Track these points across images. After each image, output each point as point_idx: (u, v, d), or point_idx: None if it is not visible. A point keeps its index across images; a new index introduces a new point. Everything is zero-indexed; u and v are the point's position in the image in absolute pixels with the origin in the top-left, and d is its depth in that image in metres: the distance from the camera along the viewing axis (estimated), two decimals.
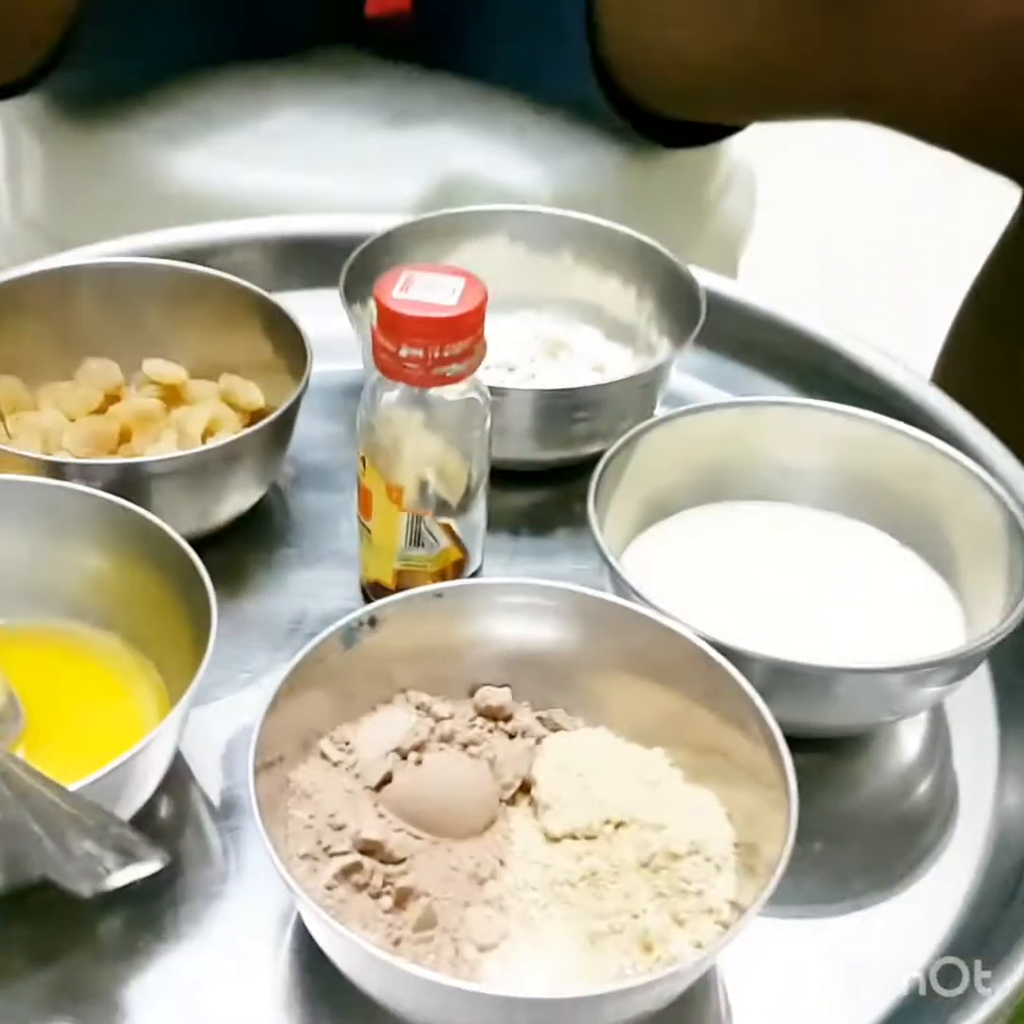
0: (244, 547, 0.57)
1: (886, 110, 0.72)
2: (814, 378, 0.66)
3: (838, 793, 0.50)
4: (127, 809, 0.43)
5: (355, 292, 0.60)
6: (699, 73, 0.76)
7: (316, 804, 0.43)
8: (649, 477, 0.54)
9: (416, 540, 0.51)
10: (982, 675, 0.54)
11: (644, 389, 0.60)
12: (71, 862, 0.36)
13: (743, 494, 0.56)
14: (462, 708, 0.47)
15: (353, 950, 0.38)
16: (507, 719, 0.46)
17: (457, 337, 0.47)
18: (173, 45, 0.85)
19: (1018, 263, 0.78)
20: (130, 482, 0.51)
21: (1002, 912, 0.46)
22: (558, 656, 0.47)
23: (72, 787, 0.40)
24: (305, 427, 0.58)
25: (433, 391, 0.49)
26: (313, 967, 0.43)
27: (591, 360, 0.64)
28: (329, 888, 0.41)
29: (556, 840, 0.43)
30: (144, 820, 0.45)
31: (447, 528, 0.51)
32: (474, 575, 0.54)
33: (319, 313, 0.59)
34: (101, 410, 0.58)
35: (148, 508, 0.48)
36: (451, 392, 0.49)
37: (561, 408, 0.58)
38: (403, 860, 0.42)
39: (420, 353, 0.47)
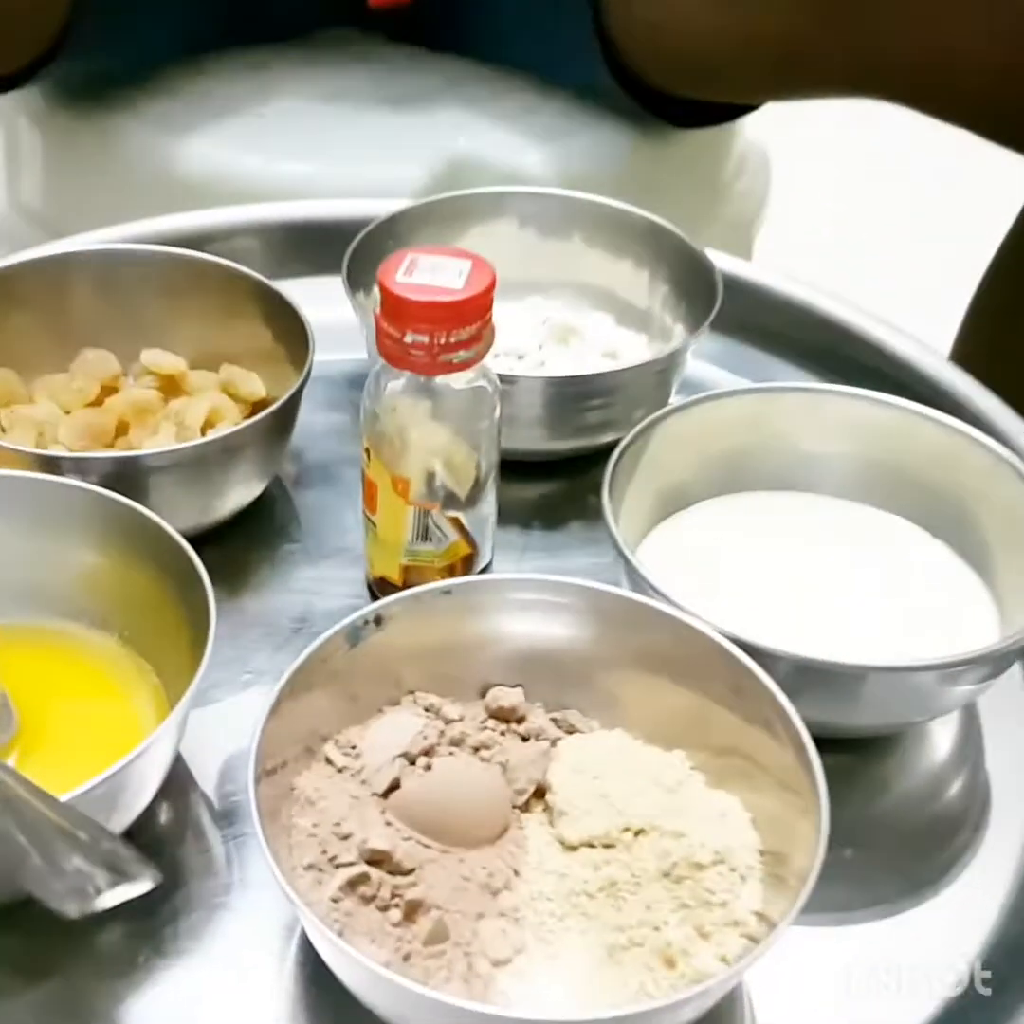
0: (246, 543, 0.57)
1: (899, 87, 0.72)
2: (834, 363, 0.66)
3: (866, 796, 0.49)
4: (125, 818, 0.43)
5: (358, 279, 0.60)
6: (705, 51, 0.76)
7: (321, 812, 0.42)
8: (665, 467, 0.54)
9: (424, 534, 0.51)
10: (1016, 673, 0.53)
11: (659, 376, 0.59)
12: (59, 879, 0.35)
13: (763, 484, 0.56)
14: (473, 710, 0.46)
15: (359, 967, 0.37)
16: (520, 721, 0.46)
17: (464, 322, 0.46)
18: (172, 31, 0.85)
19: None
20: (127, 476, 0.51)
21: None
22: (572, 654, 0.46)
23: (68, 795, 0.39)
24: (308, 419, 0.58)
25: (439, 379, 0.48)
26: (319, 982, 0.42)
27: (603, 346, 0.63)
28: (335, 901, 0.40)
29: (573, 848, 0.42)
30: (143, 829, 0.44)
31: (456, 522, 0.51)
32: (484, 571, 0.53)
33: (322, 301, 0.59)
34: (97, 402, 0.58)
35: (146, 503, 0.48)
36: (458, 380, 0.48)
37: (573, 396, 0.58)
38: (412, 871, 0.41)
39: (425, 339, 0.46)
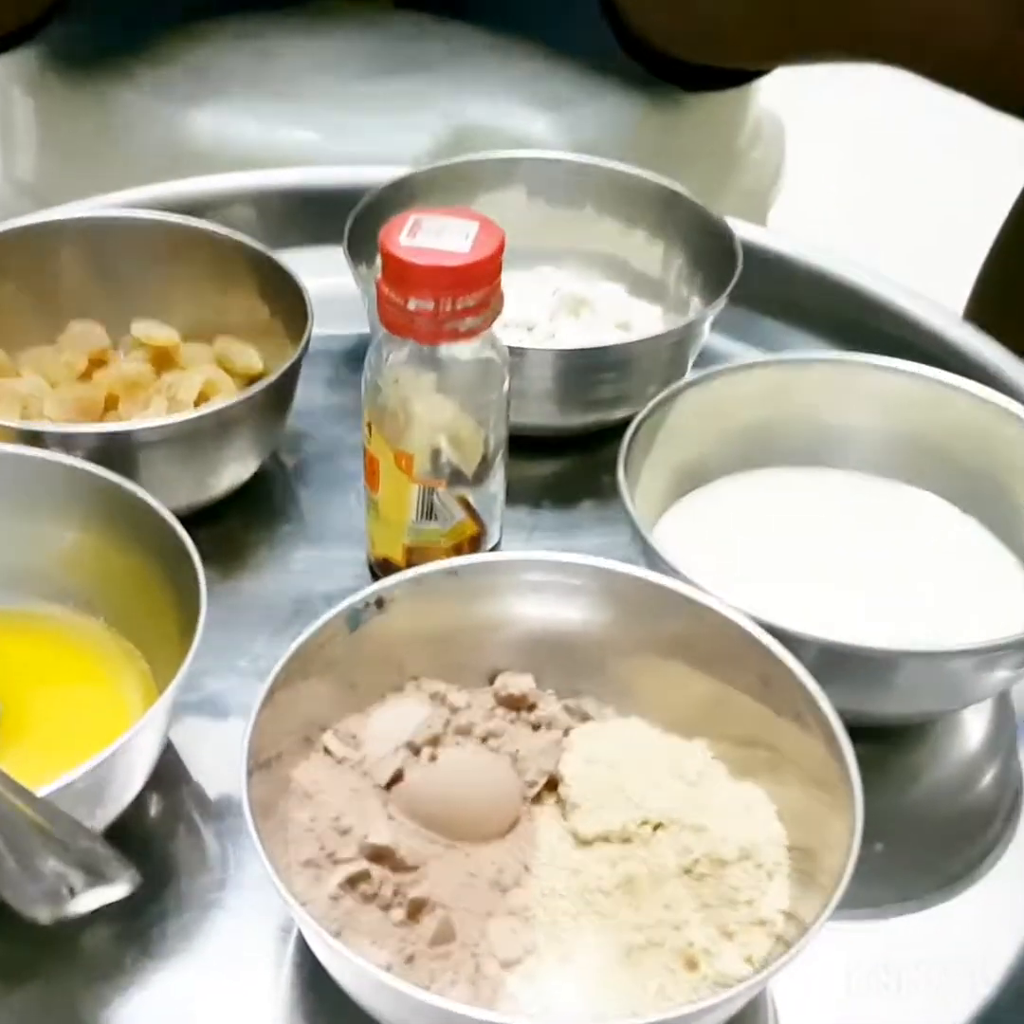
0: (242, 523, 0.56)
1: (900, 52, 0.72)
2: (857, 333, 0.65)
3: (897, 786, 0.48)
4: (111, 811, 0.42)
5: (360, 249, 0.59)
6: (709, 16, 0.76)
7: (319, 805, 0.41)
8: (682, 443, 0.53)
9: (428, 513, 0.49)
10: None
11: (675, 348, 0.58)
12: (34, 882, 0.33)
13: (786, 460, 0.55)
14: (480, 697, 0.45)
15: (357, 970, 0.36)
16: (530, 709, 0.45)
17: (471, 287, 0.45)
18: None
19: None
20: (116, 452, 0.50)
21: None
22: (586, 639, 0.45)
23: (50, 787, 0.37)
24: (307, 394, 0.58)
25: (444, 349, 0.46)
26: (317, 985, 0.41)
27: (616, 318, 0.62)
28: (334, 899, 0.39)
29: (587, 843, 0.41)
30: (131, 823, 0.43)
31: (462, 500, 0.49)
32: (492, 551, 0.52)
33: (322, 272, 0.58)
34: (86, 376, 0.57)
35: (137, 481, 0.47)
36: (464, 351, 0.47)
37: (585, 369, 0.57)
38: (416, 867, 0.40)
39: (430, 306, 0.44)
